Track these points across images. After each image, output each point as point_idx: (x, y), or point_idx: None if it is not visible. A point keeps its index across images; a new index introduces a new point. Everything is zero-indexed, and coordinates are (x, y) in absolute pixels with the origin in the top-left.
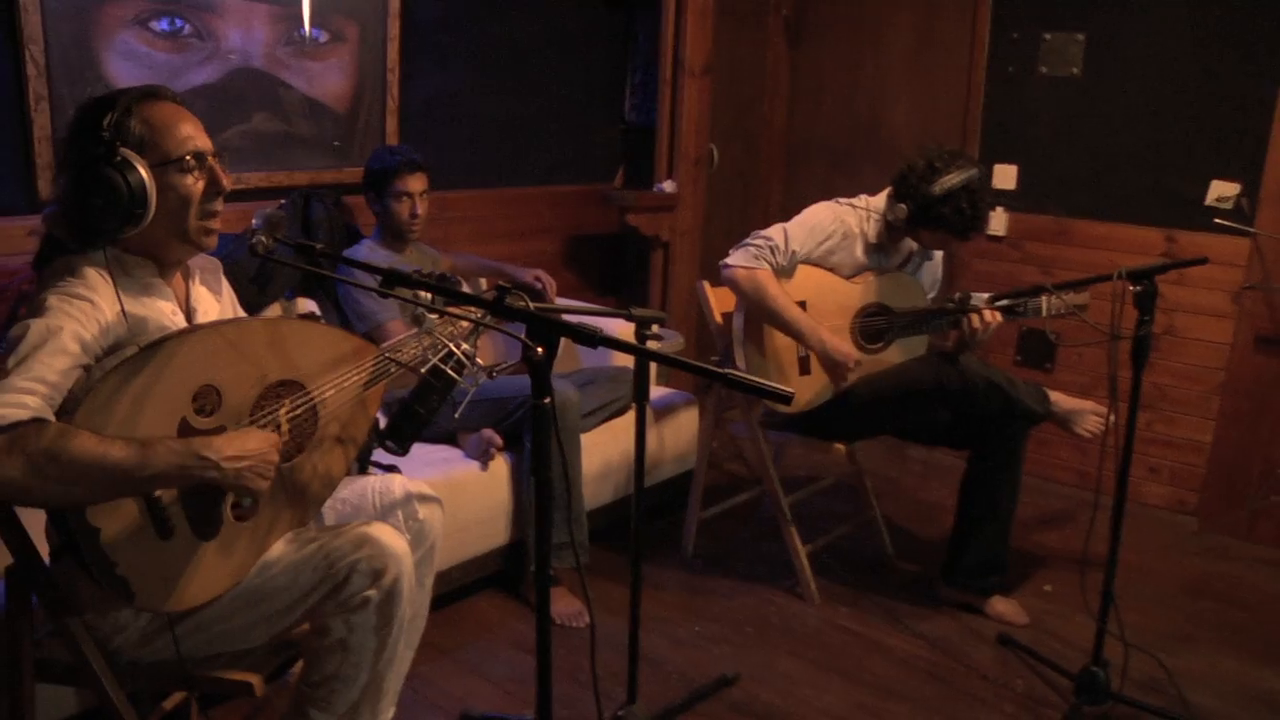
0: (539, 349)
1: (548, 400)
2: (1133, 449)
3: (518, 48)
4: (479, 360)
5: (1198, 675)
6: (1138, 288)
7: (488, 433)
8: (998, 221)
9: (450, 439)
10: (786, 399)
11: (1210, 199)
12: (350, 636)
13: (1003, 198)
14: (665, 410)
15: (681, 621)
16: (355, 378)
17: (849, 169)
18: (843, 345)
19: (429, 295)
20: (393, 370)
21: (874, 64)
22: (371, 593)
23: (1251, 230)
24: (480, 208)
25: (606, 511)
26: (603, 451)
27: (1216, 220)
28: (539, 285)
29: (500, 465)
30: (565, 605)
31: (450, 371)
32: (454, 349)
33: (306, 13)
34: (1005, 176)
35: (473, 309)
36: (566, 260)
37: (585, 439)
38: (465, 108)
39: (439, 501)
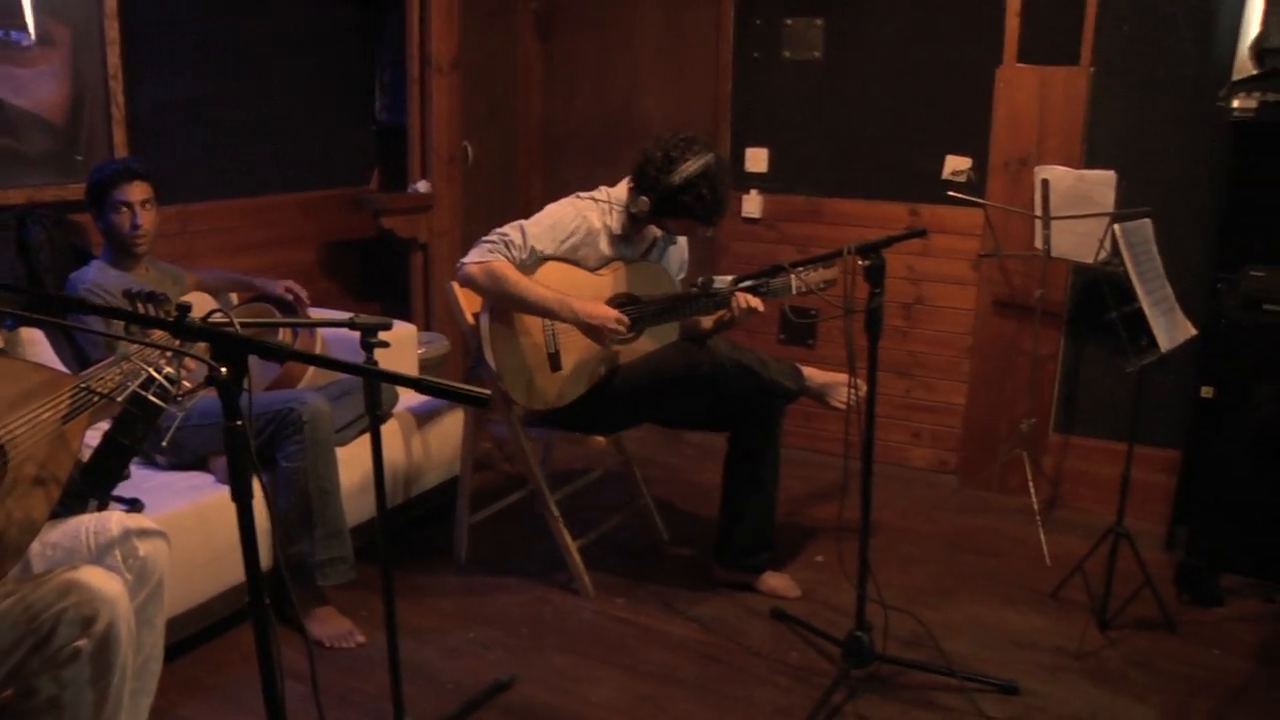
0: (223, 369)
1: (240, 423)
2: (875, 417)
3: (257, 48)
4: (186, 383)
5: (955, 625)
6: (866, 262)
7: None
8: (752, 204)
9: (200, 463)
10: (482, 402)
11: (946, 173)
12: (63, 694)
13: (755, 180)
14: (429, 415)
15: (455, 630)
16: (48, 413)
17: (607, 158)
18: (596, 307)
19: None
20: (94, 401)
21: (625, 53)
22: (82, 643)
23: (982, 202)
24: (226, 219)
25: (374, 525)
26: (363, 464)
27: (950, 193)
28: (290, 297)
29: (254, 486)
30: (335, 625)
31: (153, 398)
32: (154, 374)
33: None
34: (757, 160)
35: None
36: (324, 269)
37: (344, 452)
38: (203, 114)
39: (163, 535)
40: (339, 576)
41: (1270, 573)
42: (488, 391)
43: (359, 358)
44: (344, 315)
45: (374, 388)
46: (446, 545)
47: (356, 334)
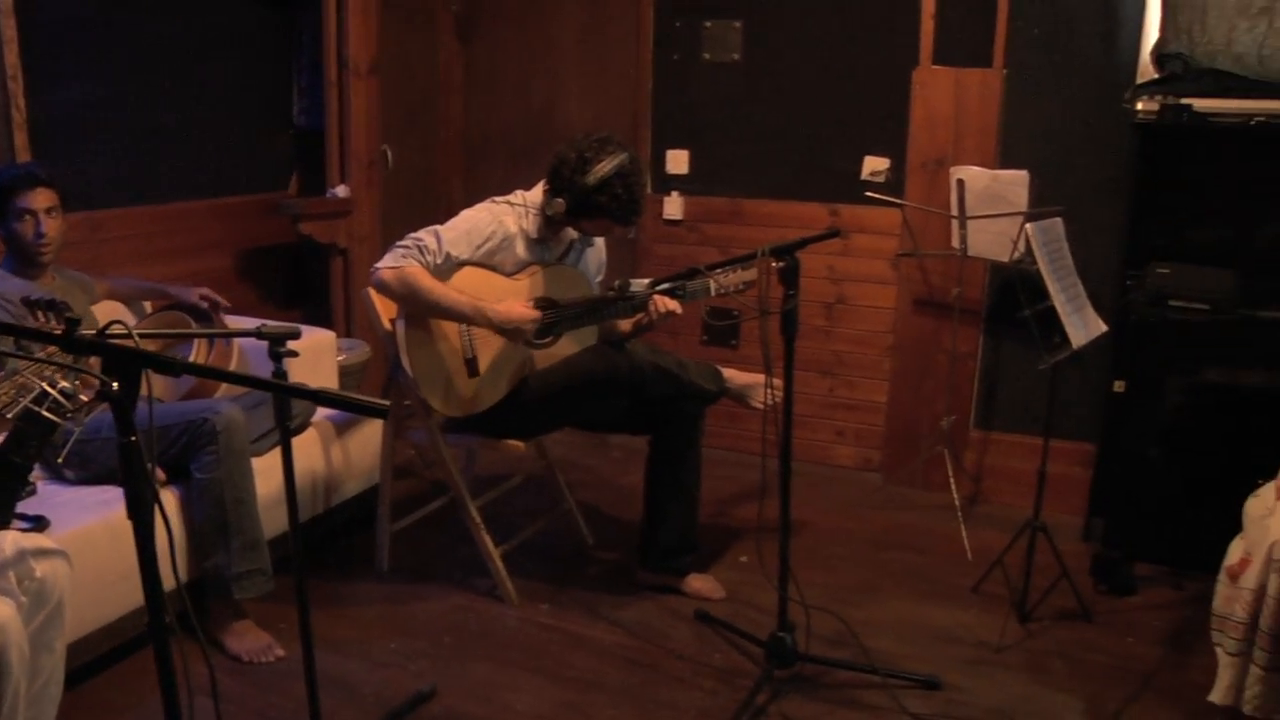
0: (115, 383)
1: (135, 439)
2: (793, 417)
3: (169, 50)
4: (84, 397)
5: (878, 622)
6: (781, 264)
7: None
8: (673, 205)
9: (112, 477)
10: (381, 413)
11: (865, 174)
12: None
13: (676, 182)
14: (349, 423)
15: (377, 640)
16: None
17: (529, 161)
18: (512, 309)
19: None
20: None
21: (546, 56)
22: None
23: (900, 202)
24: (137, 225)
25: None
26: (281, 473)
27: (868, 194)
28: (205, 304)
29: (168, 498)
30: (253, 639)
31: (47, 413)
32: (48, 389)
33: None
34: (677, 161)
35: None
36: (242, 276)
37: (261, 462)
38: (113, 117)
39: (63, 555)
40: (257, 589)
41: (1181, 560)
42: (386, 403)
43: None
44: (253, 324)
45: (284, 404)
46: (369, 554)
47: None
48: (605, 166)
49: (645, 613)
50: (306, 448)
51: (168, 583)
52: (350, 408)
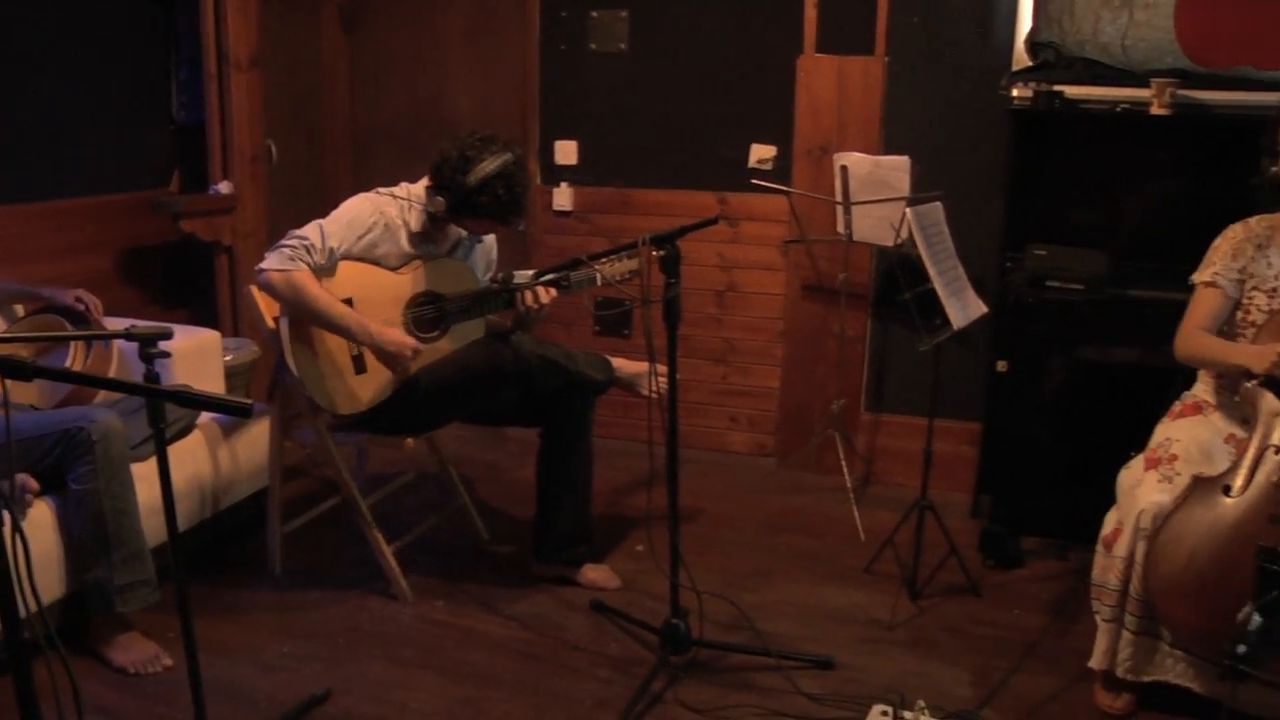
0: None
1: None
2: (678, 404)
3: (37, 42)
4: None
5: (773, 605)
6: (661, 252)
7: (21, 477)
8: (563, 196)
9: None
10: (243, 411)
11: (752, 161)
12: None
13: (566, 173)
14: (236, 425)
15: (270, 644)
16: None
17: (417, 154)
18: (394, 334)
19: None
20: None
21: (432, 46)
22: None
23: (787, 189)
24: (8, 225)
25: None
26: None
27: (755, 182)
28: (80, 307)
29: (42, 511)
30: (139, 651)
31: None
32: None
33: None
34: (566, 152)
35: None
36: (124, 276)
37: (143, 469)
38: None
39: None
40: (141, 600)
41: (1065, 533)
42: (248, 402)
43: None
44: (123, 325)
45: (157, 402)
46: (261, 558)
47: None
48: (488, 166)
49: (541, 605)
50: (192, 451)
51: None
52: (210, 407)
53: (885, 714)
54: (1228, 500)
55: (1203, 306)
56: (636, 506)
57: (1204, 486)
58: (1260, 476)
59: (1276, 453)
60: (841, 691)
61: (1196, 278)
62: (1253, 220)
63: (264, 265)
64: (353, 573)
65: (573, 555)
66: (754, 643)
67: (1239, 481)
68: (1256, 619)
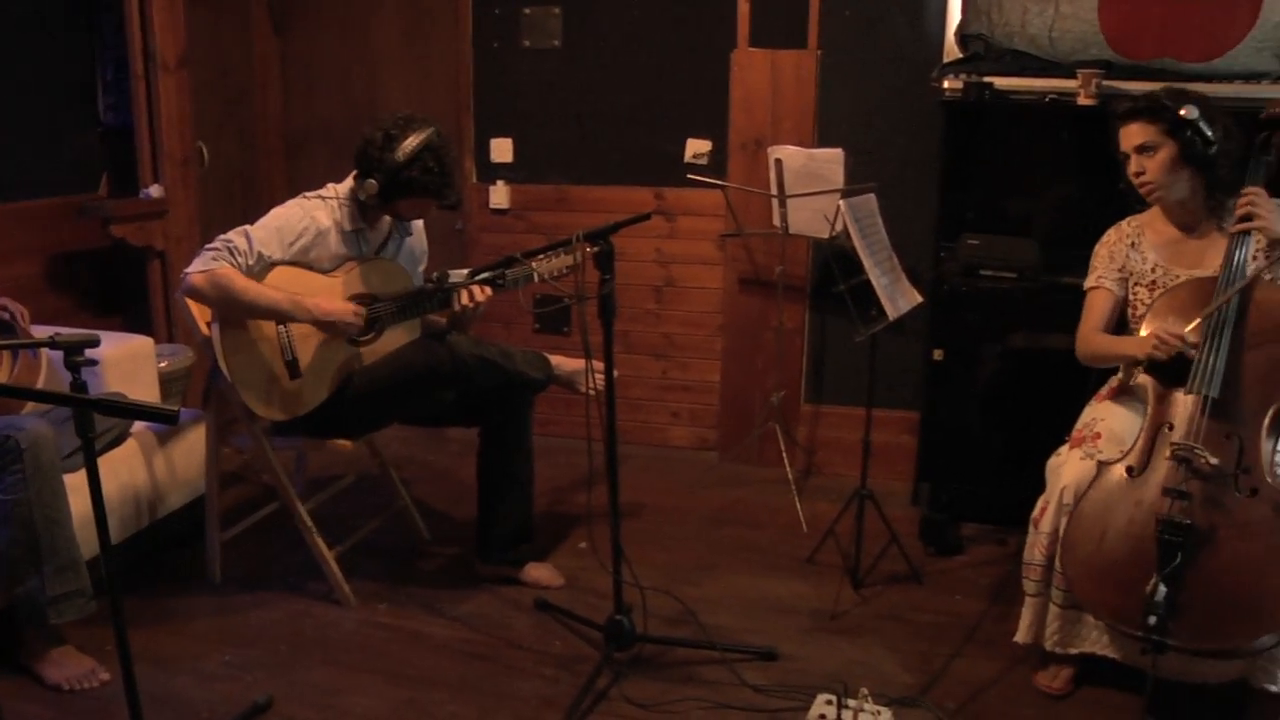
0: None
1: None
2: (615, 400)
3: None
4: None
5: (717, 598)
6: (595, 248)
7: None
8: (499, 194)
9: None
10: (169, 419)
11: (688, 156)
12: None
13: (501, 171)
14: (172, 432)
15: (210, 653)
16: None
17: (351, 155)
18: (330, 302)
19: None
20: None
21: (364, 46)
22: None
23: (722, 183)
24: None
25: (116, 552)
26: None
27: (691, 176)
28: (5, 315)
29: None
30: (74, 665)
31: None
32: None
33: None
34: (502, 150)
35: None
36: (53, 283)
37: (75, 479)
38: None
39: None
40: (75, 612)
41: (1003, 518)
42: (174, 409)
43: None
44: (47, 333)
45: (84, 411)
46: (200, 567)
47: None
48: (413, 142)
49: (484, 605)
50: (127, 460)
51: None
52: (134, 415)
53: (829, 703)
54: (1130, 481)
55: (1095, 309)
56: (578, 504)
57: (1110, 469)
58: (1156, 455)
59: (1169, 429)
60: (786, 682)
61: (1086, 284)
62: (1124, 223)
63: (187, 270)
64: (294, 578)
65: (515, 554)
66: (698, 636)
67: (1138, 462)
68: (1162, 589)
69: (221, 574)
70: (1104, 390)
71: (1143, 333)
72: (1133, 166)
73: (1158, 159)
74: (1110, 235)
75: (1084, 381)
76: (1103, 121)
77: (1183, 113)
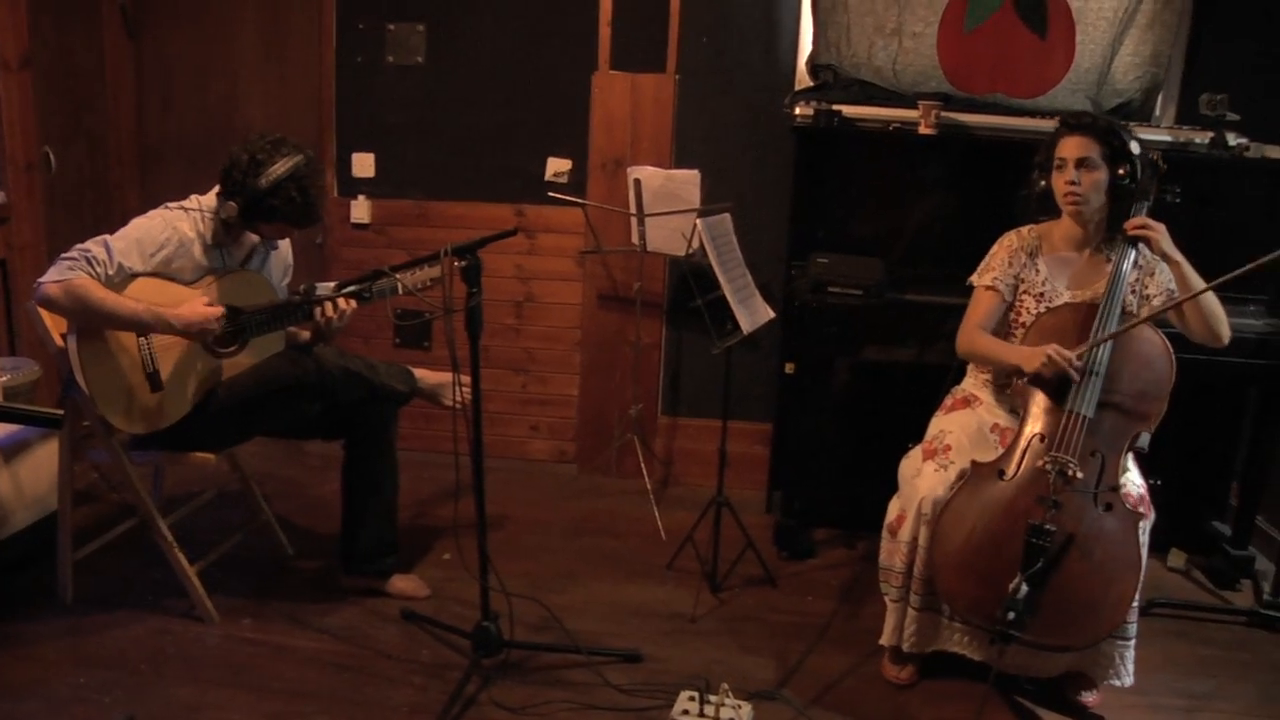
0: None
1: None
2: (482, 414)
3: None
4: None
5: (580, 605)
6: (463, 263)
7: None
8: (360, 209)
9: None
10: (54, 423)
11: (549, 174)
12: None
13: (363, 185)
14: (19, 448)
15: (63, 677)
16: None
17: (209, 166)
18: (190, 309)
19: None
20: None
21: (223, 55)
22: None
23: (582, 202)
24: None
25: None
26: None
27: (552, 194)
28: None
29: None
30: None
31: None
32: None
33: None
34: (363, 165)
35: None
36: None
37: None
38: None
39: None
40: None
41: (852, 523)
42: (58, 412)
43: None
44: None
45: None
46: (51, 588)
47: None
48: (279, 169)
49: (350, 617)
50: None
51: None
52: (17, 419)
53: (692, 699)
54: (1001, 483)
55: (982, 307)
56: (442, 516)
57: (980, 471)
58: (1028, 462)
59: (1041, 440)
60: (650, 681)
61: (976, 280)
62: (1024, 229)
63: (41, 279)
64: (152, 597)
65: (380, 566)
66: (563, 641)
67: (1011, 467)
68: (1025, 588)
69: (74, 594)
70: (948, 401)
71: (1019, 342)
72: (1068, 174)
73: (1094, 176)
74: (1011, 239)
75: (927, 392)
76: (942, 149)
77: (1132, 147)
